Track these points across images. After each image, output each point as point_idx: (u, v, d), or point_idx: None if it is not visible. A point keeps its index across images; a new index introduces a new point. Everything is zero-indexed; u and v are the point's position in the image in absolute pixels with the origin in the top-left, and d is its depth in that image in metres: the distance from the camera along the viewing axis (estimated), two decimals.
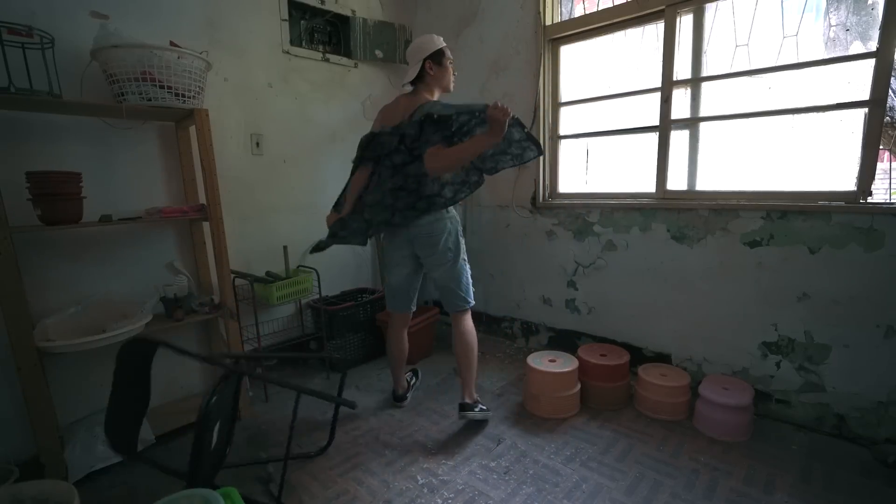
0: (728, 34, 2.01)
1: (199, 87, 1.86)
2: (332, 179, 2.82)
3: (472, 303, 2.01)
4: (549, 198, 2.70)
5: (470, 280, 2.01)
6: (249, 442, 1.92)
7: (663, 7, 2.09)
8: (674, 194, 2.20)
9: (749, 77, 1.97)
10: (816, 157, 1.87)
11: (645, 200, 2.28)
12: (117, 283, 1.99)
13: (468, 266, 2.00)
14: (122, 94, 1.70)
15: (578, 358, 2.15)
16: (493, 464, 1.74)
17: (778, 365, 1.93)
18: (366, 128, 2.98)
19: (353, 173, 1.94)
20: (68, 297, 1.83)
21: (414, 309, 2.11)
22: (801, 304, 1.85)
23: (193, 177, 2.11)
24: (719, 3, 1.99)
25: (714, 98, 2.08)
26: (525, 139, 1.79)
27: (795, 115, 1.87)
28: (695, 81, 2.10)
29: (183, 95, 1.80)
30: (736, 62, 2.00)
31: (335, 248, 2.86)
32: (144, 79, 1.69)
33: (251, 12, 2.34)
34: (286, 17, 2.48)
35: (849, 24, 1.74)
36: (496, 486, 1.61)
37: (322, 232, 2.77)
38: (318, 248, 1.97)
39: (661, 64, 2.14)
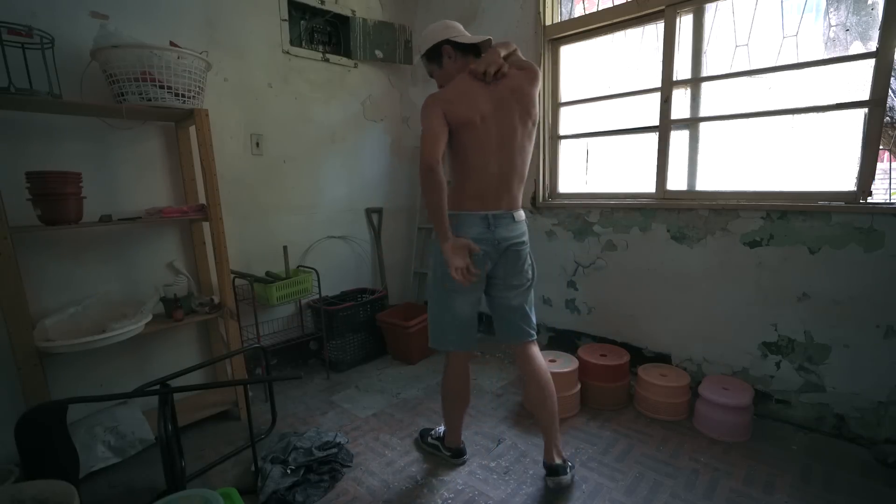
0: (728, 34, 2.01)
1: (198, 87, 1.86)
2: (332, 179, 2.82)
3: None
4: (549, 198, 2.70)
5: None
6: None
7: (663, 7, 2.09)
8: (674, 194, 2.20)
9: (749, 77, 1.96)
10: (816, 157, 1.87)
11: (645, 200, 2.28)
12: (117, 283, 2.00)
13: None
14: (122, 95, 1.70)
15: (578, 358, 2.15)
16: (492, 464, 1.74)
17: (778, 365, 1.93)
18: (366, 128, 3.04)
19: None
20: (68, 297, 1.83)
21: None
22: (801, 304, 1.85)
23: (193, 177, 2.11)
24: (719, 3, 1.99)
25: (714, 98, 2.08)
26: None
27: (795, 116, 1.87)
28: (695, 81, 2.10)
29: (183, 95, 1.79)
30: (736, 62, 2.00)
31: (335, 248, 2.89)
32: (144, 79, 1.69)
33: (251, 12, 2.34)
34: (286, 17, 2.48)
35: (849, 24, 1.74)
36: (496, 486, 1.61)
37: (320, 231, 2.80)
38: None
39: (661, 64, 2.14)
